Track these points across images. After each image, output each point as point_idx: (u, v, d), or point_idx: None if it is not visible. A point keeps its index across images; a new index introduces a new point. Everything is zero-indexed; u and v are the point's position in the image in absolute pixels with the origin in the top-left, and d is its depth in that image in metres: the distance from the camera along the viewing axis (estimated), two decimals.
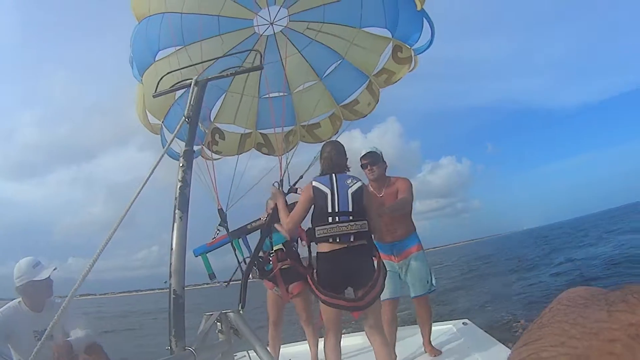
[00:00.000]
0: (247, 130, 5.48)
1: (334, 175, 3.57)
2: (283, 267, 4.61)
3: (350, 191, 3.48)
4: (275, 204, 3.88)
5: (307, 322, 4.76)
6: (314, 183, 3.54)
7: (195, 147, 4.94)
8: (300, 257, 4.64)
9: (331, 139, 4.35)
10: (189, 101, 2.53)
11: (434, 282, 4.51)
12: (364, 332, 3.79)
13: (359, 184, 3.55)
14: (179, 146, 4.52)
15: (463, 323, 5.36)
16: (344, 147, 3.84)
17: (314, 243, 3.54)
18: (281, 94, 5.35)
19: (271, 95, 5.30)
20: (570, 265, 18.32)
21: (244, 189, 4.76)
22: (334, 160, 3.66)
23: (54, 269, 3.61)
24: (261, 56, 2.88)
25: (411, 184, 4.51)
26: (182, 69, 3.49)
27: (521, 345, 0.46)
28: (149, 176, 2.24)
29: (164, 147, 4.67)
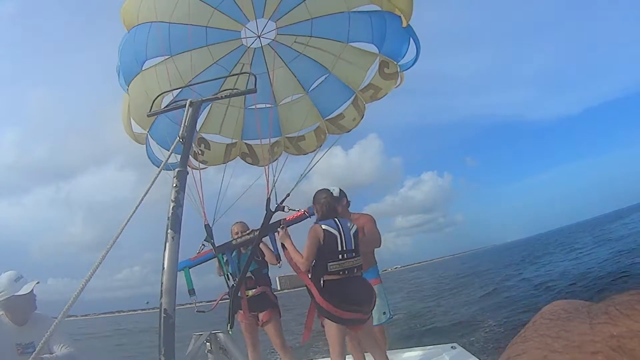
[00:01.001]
0: (233, 140, 5.52)
1: (336, 219, 4.11)
2: (254, 294, 4.66)
3: (351, 233, 4.09)
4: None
5: (282, 348, 4.75)
6: (324, 226, 4.01)
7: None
8: (271, 283, 4.86)
9: (324, 188, 4.49)
10: (183, 122, 2.56)
11: (390, 313, 4.86)
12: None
13: (355, 227, 4.15)
14: (163, 155, 4.54)
15: (452, 347, 5.39)
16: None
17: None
18: (267, 105, 5.41)
19: (257, 106, 5.35)
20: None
21: (227, 206, 4.84)
22: (332, 206, 4.20)
23: (37, 283, 3.53)
24: (256, 79, 2.94)
25: (374, 221, 4.79)
26: (174, 89, 3.54)
27: (504, 359, 0.46)
28: (145, 194, 2.24)
29: (148, 157, 4.67)
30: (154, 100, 3.11)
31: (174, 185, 2.36)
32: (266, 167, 4.78)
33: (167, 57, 4.62)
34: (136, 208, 2.18)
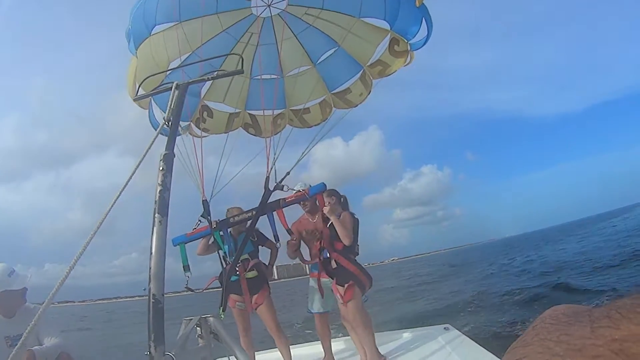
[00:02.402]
0: (236, 110, 5.62)
1: None
2: (250, 276, 4.71)
3: None
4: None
5: (277, 331, 4.80)
6: (356, 216, 4.83)
7: (183, 124, 5.05)
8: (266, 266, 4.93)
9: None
10: (169, 105, 2.57)
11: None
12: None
13: None
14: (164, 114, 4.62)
15: (445, 328, 5.49)
16: None
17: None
18: (273, 76, 5.48)
19: (263, 76, 5.39)
20: None
21: (226, 187, 4.91)
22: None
23: (29, 277, 3.68)
24: (243, 61, 2.94)
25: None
26: (160, 72, 3.59)
27: None
28: (131, 175, 2.23)
29: (150, 122, 4.78)
30: (140, 84, 3.14)
31: (161, 168, 2.35)
32: (267, 144, 4.83)
33: (176, 23, 4.66)
34: (132, 174, 2.19)
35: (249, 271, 4.72)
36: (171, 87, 2.64)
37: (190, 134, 5.15)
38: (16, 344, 3.38)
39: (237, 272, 4.64)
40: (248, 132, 5.68)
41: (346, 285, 4.53)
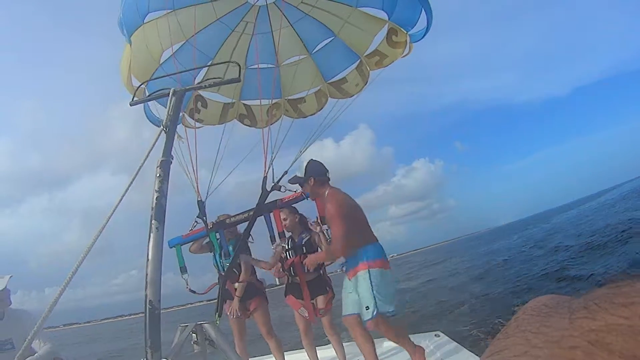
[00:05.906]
0: (231, 100, 5.67)
1: None
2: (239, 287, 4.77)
3: None
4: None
5: (269, 335, 4.97)
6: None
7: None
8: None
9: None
10: (167, 111, 2.61)
11: (374, 309, 3.91)
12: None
13: None
14: (159, 113, 4.62)
15: (435, 335, 5.51)
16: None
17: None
18: (269, 65, 5.52)
19: (259, 66, 5.40)
20: None
21: (222, 195, 5.02)
22: None
23: (10, 277, 3.77)
24: (240, 68, 2.99)
25: (334, 208, 4.05)
26: (153, 79, 3.69)
27: (487, 356, 0.47)
28: (128, 187, 2.30)
29: (146, 114, 4.83)
30: (138, 88, 3.18)
31: (158, 175, 2.41)
32: (264, 140, 4.83)
33: (169, 10, 4.66)
34: (118, 203, 2.22)
35: (236, 282, 4.76)
36: (168, 93, 2.68)
37: (184, 125, 5.18)
38: (6, 349, 3.50)
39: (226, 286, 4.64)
40: (243, 124, 5.72)
41: (328, 296, 4.69)
